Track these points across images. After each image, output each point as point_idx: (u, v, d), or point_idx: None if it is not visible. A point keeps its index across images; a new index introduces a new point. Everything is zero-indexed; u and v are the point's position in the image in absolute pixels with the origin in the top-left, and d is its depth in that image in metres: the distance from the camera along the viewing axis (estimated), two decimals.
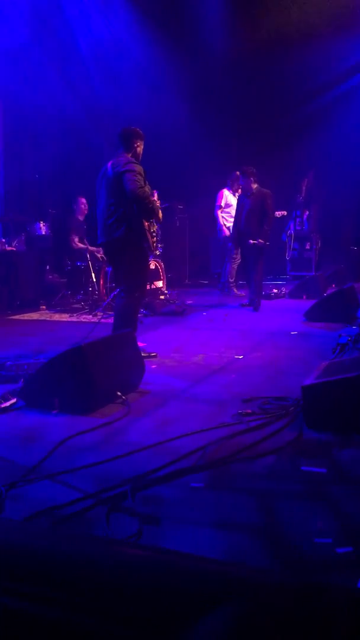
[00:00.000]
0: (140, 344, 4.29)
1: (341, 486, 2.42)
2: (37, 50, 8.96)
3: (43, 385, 3.52)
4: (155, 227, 4.93)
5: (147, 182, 4.68)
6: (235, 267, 9.71)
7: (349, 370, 3.23)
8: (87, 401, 3.44)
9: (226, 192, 9.71)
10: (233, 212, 9.10)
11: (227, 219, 9.53)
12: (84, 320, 7.32)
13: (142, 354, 4.24)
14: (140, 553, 1.10)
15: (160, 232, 8.38)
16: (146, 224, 4.71)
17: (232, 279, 9.77)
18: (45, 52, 9.13)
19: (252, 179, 7.96)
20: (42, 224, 9.25)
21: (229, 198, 9.59)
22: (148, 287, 6.93)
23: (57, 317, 7.71)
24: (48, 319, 7.59)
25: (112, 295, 7.48)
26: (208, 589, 0.91)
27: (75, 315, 7.70)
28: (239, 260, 9.48)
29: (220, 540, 1.99)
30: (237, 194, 9.18)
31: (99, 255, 8.37)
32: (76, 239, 8.84)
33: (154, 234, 4.89)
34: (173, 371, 4.48)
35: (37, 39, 8.80)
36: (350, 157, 11.83)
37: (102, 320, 6.56)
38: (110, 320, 5.50)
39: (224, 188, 9.82)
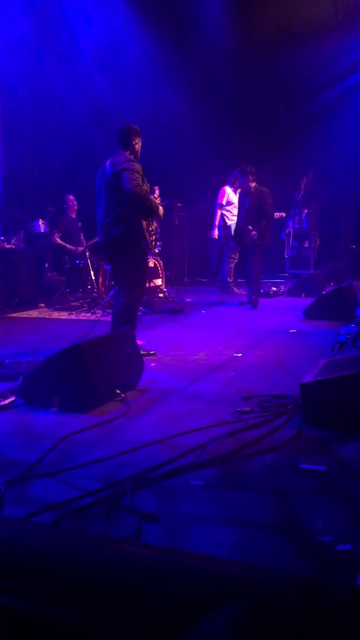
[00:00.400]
0: (139, 342, 4.29)
1: (340, 484, 2.42)
2: (36, 47, 8.95)
3: (42, 383, 3.51)
4: (154, 226, 4.93)
5: (145, 180, 4.67)
6: (233, 266, 9.69)
7: (347, 368, 3.24)
8: (86, 399, 3.44)
9: (228, 190, 9.57)
10: (235, 211, 9.10)
11: (228, 217, 9.46)
12: (82, 318, 7.32)
13: (141, 352, 4.24)
14: (141, 552, 1.10)
15: (159, 230, 8.39)
16: (144, 222, 4.70)
17: (230, 278, 9.76)
18: (44, 49, 9.12)
19: (250, 177, 7.94)
20: (41, 222, 9.25)
21: (231, 196, 9.52)
22: (147, 285, 6.92)
23: (56, 315, 7.71)
24: (47, 317, 7.59)
25: (111, 293, 7.48)
26: (210, 588, 0.91)
27: (74, 313, 7.69)
28: (237, 259, 9.47)
29: (220, 538, 2.00)
30: (238, 192, 9.14)
31: (80, 249, 8.45)
32: (57, 236, 8.85)
33: (153, 232, 4.88)
34: (172, 369, 4.48)
35: (36, 35, 8.78)
36: (350, 155, 11.83)
37: (101, 318, 6.56)
38: (109, 318, 5.50)
39: (225, 185, 9.70)
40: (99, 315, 7.01)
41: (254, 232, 7.80)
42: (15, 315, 7.70)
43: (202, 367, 4.54)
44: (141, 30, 9.80)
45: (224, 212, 9.54)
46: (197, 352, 5.09)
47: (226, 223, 9.49)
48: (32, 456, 2.67)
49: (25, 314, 7.77)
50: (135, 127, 4.84)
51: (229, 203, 9.49)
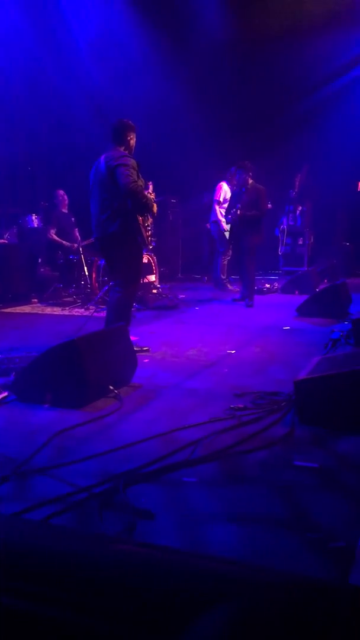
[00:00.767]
0: (132, 338, 4.28)
1: (333, 481, 2.43)
2: (31, 39, 8.89)
3: (35, 379, 3.50)
4: (149, 221, 4.91)
5: (140, 176, 4.65)
6: (226, 262, 9.68)
7: (341, 365, 3.24)
8: (79, 395, 3.43)
9: (225, 187, 9.48)
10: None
11: (224, 214, 9.44)
12: (76, 313, 7.29)
13: (135, 348, 4.23)
14: (138, 550, 1.10)
15: (153, 226, 8.36)
16: (140, 218, 4.69)
17: (224, 275, 9.75)
18: (39, 42, 9.06)
19: (250, 174, 7.95)
20: (34, 217, 9.21)
21: (228, 193, 9.48)
22: (141, 281, 6.90)
23: (49, 310, 7.68)
24: (40, 312, 7.56)
25: (104, 289, 7.46)
26: (207, 587, 0.91)
27: (67, 309, 7.67)
28: (230, 256, 9.46)
29: (213, 535, 1.99)
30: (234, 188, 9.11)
31: (74, 246, 8.43)
32: (53, 232, 8.82)
33: (148, 228, 4.87)
34: (165, 365, 4.47)
35: (30, 26, 8.73)
36: (344, 153, 11.85)
37: (95, 314, 6.55)
38: (102, 314, 5.48)
39: (221, 182, 9.63)
40: (92, 310, 7.00)
41: (239, 211, 7.81)
42: (8, 310, 7.67)
43: (196, 364, 4.53)
44: (138, 25, 9.76)
45: (221, 210, 9.48)
46: (191, 349, 5.09)
47: (219, 219, 9.43)
48: (25, 452, 2.66)
49: (18, 310, 7.74)
50: (130, 122, 4.81)
51: (225, 200, 9.46)
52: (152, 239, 8.31)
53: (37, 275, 8.94)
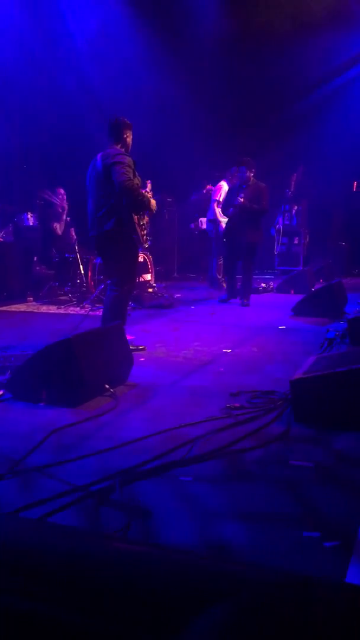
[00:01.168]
0: (128, 337, 4.28)
1: (328, 480, 2.43)
2: (28, 37, 8.86)
3: (30, 378, 3.49)
4: (145, 220, 4.90)
5: (137, 174, 4.65)
6: (222, 262, 9.64)
7: (336, 365, 3.25)
8: (74, 394, 3.42)
9: (225, 187, 9.32)
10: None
11: (222, 214, 9.38)
12: (71, 312, 7.28)
13: (131, 347, 4.22)
14: (132, 548, 1.09)
15: (149, 225, 8.34)
16: (135, 216, 4.68)
17: (219, 274, 9.73)
18: (36, 40, 9.03)
19: (253, 170, 7.82)
20: (29, 215, 9.20)
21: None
22: (137, 280, 6.89)
23: (44, 309, 7.66)
24: (35, 310, 7.54)
25: (100, 287, 7.45)
26: (204, 586, 0.91)
27: (63, 307, 7.65)
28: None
29: (209, 534, 1.99)
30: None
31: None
32: (58, 227, 8.84)
33: (144, 227, 4.86)
34: (161, 364, 4.47)
35: (27, 22, 8.70)
36: (340, 152, 11.87)
37: (90, 312, 6.54)
38: (98, 312, 5.48)
39: (221, 181, 9.55)
40: (88, 309, 6.99)
41: (242, 199, 7.69)
42: (4, 309, 7.65)
43: (191, 363, 4.53)
44: (136, 22, 9.75)
45: (219, 209, 9.42)
46: (186, 348, 5.09)
47: (218, 219, 9.37)
48: (20, 451, 2.65)
49: (13, 308, 7.72)
50: (126, 120, 4.81)
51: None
52: (148, 237, 8.28)
53: (32, 274, 8.93)
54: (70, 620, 0.87)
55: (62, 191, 9.16)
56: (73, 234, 8.97)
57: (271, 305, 8.01)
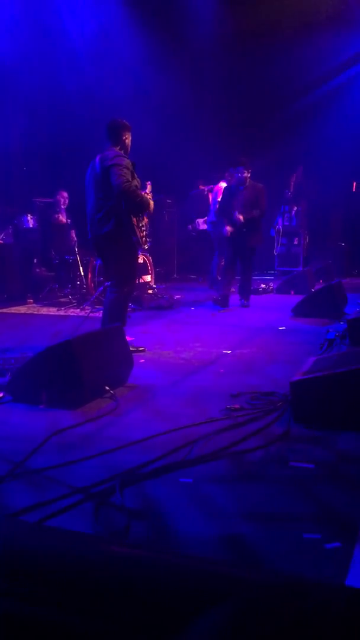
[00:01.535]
0: (128, 339, 4.28)
1: (329, 482, 2.43)
2: (27, 38, 8.87)
3: (30, 380, 3.49)
4: (144, 221, 4.91)
5: (136, 176, 4.65)
6: (222, 263, 9.62)
7: (336, 366, 3.25)
8: (75, 396, 3.42)
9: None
10: None
11: None
12: (71, 314, 7.28)
13: (131, 349, 4.22)
14: (132, 551, 1.09)
15: (148, 226, 8.33)
16: (134, 218, 4.69)
17: (220, 275, 9.71)
18: (35, 40, 9.03)
19: (250, 171, 7.65)
20: (29, 217, 9.19)
21: None
22: (136, 281, 6.89)
23: (44, 310, 7.66)
24: (35, 312, 7.54)
25: (100, 289, 7.45)
26: (203, 588, 0.91)
27: (63, 309, 7.65)
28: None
29: (209, 536, 1.99)
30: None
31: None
32: (60, 216, 8.86)
33: (143, 228, 4.86)
34: (161, 366, 4.47)
35: (27, 23, 8.70)
36: (339, 153, 11.87)
37: (90, 314, 6.54)
38: (98, 314, 5.47)
39: (220, 182, 9.53)
40: (88, 311, 6.99)
41: (241, 217, 7.61)
42: (4, 311, 7.65)
43: (192, 364, 4.53)
44: (136, 22, 9.76)
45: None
46: (186, 349, 5.09)
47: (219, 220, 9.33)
48: (20, 453, 2.65)
49: (13, 310, 7.72)
50: (125, 122, 4.81)
51: None
52: (148, 239, 8.27)
53: (32, 276, 8.92)
54: (69, 623, 0.87)
55: (65, 194, 9.16)
56: (73, 235, 8.98)
57: (271, 306, 8.00)
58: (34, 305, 8.15)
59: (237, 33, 10.35)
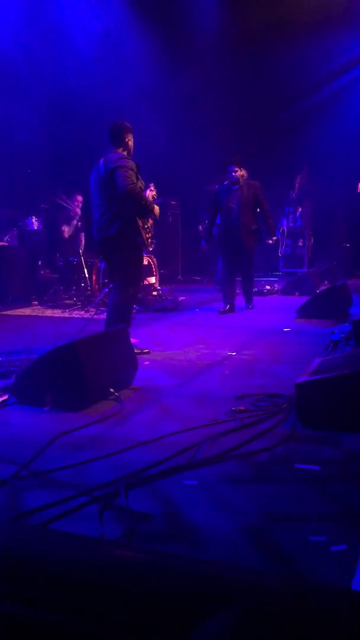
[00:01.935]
0: (133, 340, 4.28)
1: (335, 483, 2.41)
2: (29, 38, 8.89)
3: (35, 382, 3.49)
4: (149, 223, 4.91)
5: (140, 178, 4.65)
6: None
7: (342, 367, 3.23)
8: (79, 398, 3.42)
9: None
10: None
11: None
12: (76, 316, 7.29)
13: (135, 350, 4.22)
14: (136, 555, 1.09)
15: (153, 228, 8.31)
16: (140, 220, 4.69)
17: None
18: (36, 43, 9.05)
19: (244, 170, 7.40)
20: (34, 219, 9.22)
21: None
22: (141, 283, 6.88)
23: (49, 312, 7.67)
24: (40, 314, 7.55)
25: (104, 291, 7.46)
26: (206, 592, 0.90)
27: (67, 311, 7.67)
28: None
29: (215, 539, 1.98)
30: None
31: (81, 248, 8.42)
32: (66, 229, 8.84)
33: (149, 230, 4.87)
34: (166, 368, 4.46)
35: (27, 26, 8.72)
36: (344, 154, 11.85)
37: (95, 316, 6.54)
38: (103, 316, 5.47)
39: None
40: (93, 313, 6.99)
41: (275, 238, 7.41)
42: (8, 312, 7.66)
43: (196, 366, 4.53)
44: (135, 26, 9.76)
45: None
46: (191, 351, 5.08)
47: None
48: (25, 455, 2.64)
49: (18, 312, 7.73)
50: (127, 124, 4.81)
51: None
52: (153, 240, 8.26)
53: (37, 278, 8.95)
54: (72, 627, 0.86)
55: (79, 198, 9.15)
56: (82, 238, 9.00)
57: (276, 308, 7.99)
58: (39, 307, 8.16)
59: (242, 33, 10.34)
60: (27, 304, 8.31)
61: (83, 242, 8.86)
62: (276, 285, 10.14)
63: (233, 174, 7.31)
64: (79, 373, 3.39)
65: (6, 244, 8.62)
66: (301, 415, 3.12)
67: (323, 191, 12.35)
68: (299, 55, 10.47)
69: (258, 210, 7.51)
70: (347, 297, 7.20)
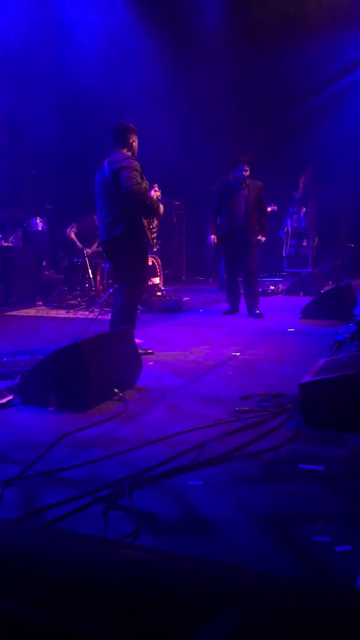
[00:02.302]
0: (137, 341, 4.28)
1: (339, 484, 2.41)
2: (32, 41, 8.91)
3: (40, 382, 3.50)
4: (155, 223, 4.91)
5: (144, 178, 4.66)
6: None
7: (346, 367, 3.23)
8: (84, 398, 3.42)
9: None
10: None
11: None
12: (80, 316, 7.30)
13: (139, 351, 4.22)
14: (140, 555, 1.09)
15: (158, 228, 8.29)
16: (145, 220, 4.69)
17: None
18: (40, 43, 9.07)
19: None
20: (38, 220, 9.23)
21: None
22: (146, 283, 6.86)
23: (53, 313, 7.69)
24: (44, 315, 7.57)
25: (109, 291, 7.47)
26: (210, 593, 0.90)
27: (71, 311, 7.68)
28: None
29: (219, 540, 1.98)
30: None
31: (87, 251, 8.37)
32: (73, 230, 8.80)
33: (154, 230, 4.87)
34: (170, 368, 4.47)
35: (32, 26, 8.74)
36: (348, 154, 11.84)
37: (99, 316, 6.55)
38: (107, 316, 5.48)
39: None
40: (97, 313, 7.00)
41: (263, 238, 7.22)
42: (13, 313, 7.68)
43: (200, 366, 4.53)
44: (139, 27, 9.78)
45: None
46: (195, 351, 5.08)
47: None
48: (29, 456, 2.65)
49: (22, 312, 7.74)
50: (131, 124, 4.81)
51: None
52: (157, 241, 8.25)
53: (41, 278, 8.96)
54: (76, 628, 0.86)
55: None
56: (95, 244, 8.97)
57: (280, 308, 7.98)
58: (43, 307, 8.18)
59: (246, 33, 10.34)
60: (32, 304, 8.33)
61: (95, 245, 8.84)
62: (280, 286, 10.13)
63: (244, 172, 7.10)
64: (84, 373, 3.40)
65: (11, 244, 8.63)
66: (305, 416, 3.11)
67: (327, 191, 12.33)
68: (302, 55, 10.46)
69: None
70: (351, 298, 7.19)
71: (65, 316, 7.41)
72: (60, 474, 2.48)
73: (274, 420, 3.18)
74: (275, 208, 9.64)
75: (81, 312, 7.58)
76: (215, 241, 7.34)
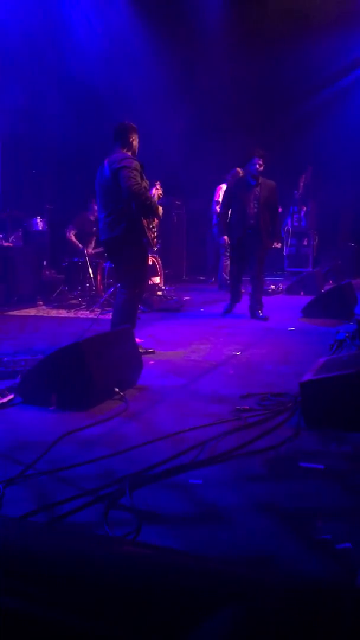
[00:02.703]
0: (137, 340, 4.29)
1: (339, 482, 2.42)
2: (34, 41, 8.91)
3: (40, 382, 3.50)
4: (155, 223, 4.91)
5: (144, 178, 4.66)
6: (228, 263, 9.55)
7: (347, 366, 3.23)
8: (84, 397, 3.43)
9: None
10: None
11: None
12: (81, 316, 7.30)
13: (140, 350, 4.23)
14: (140, 552, 1.09)
15: (158, 227, 8.29)
16: (145, 220, 4.70)
17: (228, 276, 9.69)
18: (42, 43, 9.08)
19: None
20: (39, 220, 9.23)
21: None
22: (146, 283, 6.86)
23: (54, 313, 7.69)
24: (45, 315, 7.57)
25: (109, 291, 7.47)
26: (210, 589, 0.91)
27: (72, 311, 7.68)
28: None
29: (220, 538, 1.99)
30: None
31: (88, 252, 8.37)
32: (73, 232, 8.80)
33: (154, 229, 4.87)
34: (171, 367, 4.47)
35: (34, 26, 8.74)
36: (349, 153, 11.83)
37: (100, 316, 6.55)
38: (108, 316, 5.49)
39: (221, 183, 9.62)
40: (98, 313, 7.00)
41: (278, 245, 7.17)
42: (14, 313, 7.68)
43: (201, 365, 4.53)
44: (140, 27, 9.79)
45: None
46: (196, 350, 5.09)
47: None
48: (31, 455, 2.66)
49: (23, 312, 7.75)
50: (131, 124, 4.82)
51: None
52: (157, 240, 8.24)
53: (42, 278, 8.96)
54: (77, 624, 0.87)
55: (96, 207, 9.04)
56: (92, 241, 8.98)
57: (281, 307, 7.98)
58: (44, 307, 8.18)
59: (247, 33, 10.34)
60: (32, 304, 8.33)
61: (93, 243, 8.85)
62: (281, 285, 10.13)
63: (257, 166, 6.69)
64: (85, 373, 3.40)
65: (11, 244, 8.63)
66: (306, 414, 3.12)
67: (328, 191, 12.32)
68: (303, 55, 10.46)
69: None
70: (352, 297, 7.19)
71: (66, 316, 7.41)
72: (61, 473, 2.49)
73: (274, 419, 3.18)
74: (279, 210, 9.59)
75: (82, 312, 7.58)
76: (229, 242, 7.08)
